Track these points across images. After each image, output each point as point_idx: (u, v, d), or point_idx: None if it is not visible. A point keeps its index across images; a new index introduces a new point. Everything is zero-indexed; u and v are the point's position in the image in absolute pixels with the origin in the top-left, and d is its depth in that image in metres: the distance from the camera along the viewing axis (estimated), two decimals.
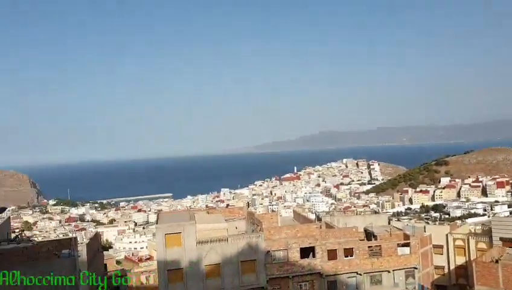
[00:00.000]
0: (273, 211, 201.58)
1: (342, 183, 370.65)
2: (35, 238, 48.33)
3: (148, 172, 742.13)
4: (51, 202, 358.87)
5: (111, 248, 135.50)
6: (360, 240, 50.45)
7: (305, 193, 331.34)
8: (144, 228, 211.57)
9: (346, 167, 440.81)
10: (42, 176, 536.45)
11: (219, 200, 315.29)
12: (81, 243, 41.09)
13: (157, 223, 47.30)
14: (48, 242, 38.81)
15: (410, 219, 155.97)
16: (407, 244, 49.91)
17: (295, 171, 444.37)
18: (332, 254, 47.41)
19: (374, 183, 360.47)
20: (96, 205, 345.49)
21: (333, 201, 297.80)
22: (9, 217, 49.08)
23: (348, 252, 47.94)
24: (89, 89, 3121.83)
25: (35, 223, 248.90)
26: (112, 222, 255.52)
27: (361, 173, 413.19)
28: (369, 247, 48.78)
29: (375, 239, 50.80)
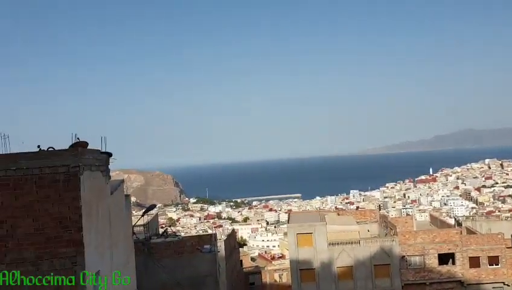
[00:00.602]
0: (408, 214, 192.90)
1: (484, 186, 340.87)
2: (179, 234, 52.74)
3: (278, 172, 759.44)
4: (192, 200, 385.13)
5: (245, 245, 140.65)
6: (507, 247, 46.54)
7: (443, 196, 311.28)
8: (275, 227, 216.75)
9: (489, 167, 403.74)
10: (184, 176, 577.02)
11: (348, 202, 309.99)
12: (220, 239, 43.66)
13: (288, 223, 48.59)
14: (190, 237, 42.27)
15: None
16: None
17: (430, 172, 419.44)
18: (474, 262, 44.55)
19: None
20: (232, 203, 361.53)
21: (474, 205, 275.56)
22: (157, 214, 54.38)
23: (493, 261, 44.61)
24: (225, 91, 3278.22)
25: (178, 219, 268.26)
26: (245, 220, 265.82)
27: (507, 174, 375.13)
28: None
29: None
